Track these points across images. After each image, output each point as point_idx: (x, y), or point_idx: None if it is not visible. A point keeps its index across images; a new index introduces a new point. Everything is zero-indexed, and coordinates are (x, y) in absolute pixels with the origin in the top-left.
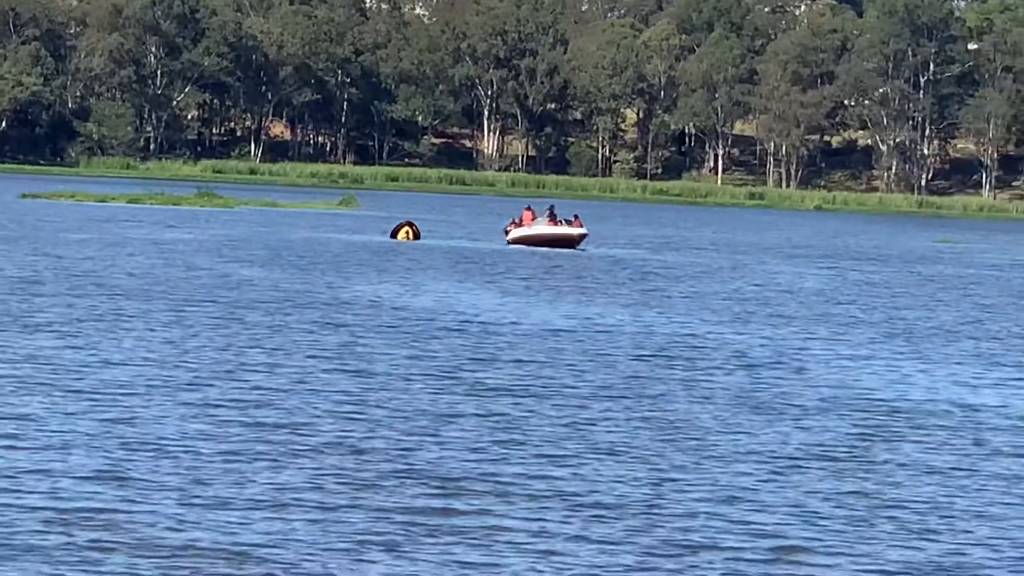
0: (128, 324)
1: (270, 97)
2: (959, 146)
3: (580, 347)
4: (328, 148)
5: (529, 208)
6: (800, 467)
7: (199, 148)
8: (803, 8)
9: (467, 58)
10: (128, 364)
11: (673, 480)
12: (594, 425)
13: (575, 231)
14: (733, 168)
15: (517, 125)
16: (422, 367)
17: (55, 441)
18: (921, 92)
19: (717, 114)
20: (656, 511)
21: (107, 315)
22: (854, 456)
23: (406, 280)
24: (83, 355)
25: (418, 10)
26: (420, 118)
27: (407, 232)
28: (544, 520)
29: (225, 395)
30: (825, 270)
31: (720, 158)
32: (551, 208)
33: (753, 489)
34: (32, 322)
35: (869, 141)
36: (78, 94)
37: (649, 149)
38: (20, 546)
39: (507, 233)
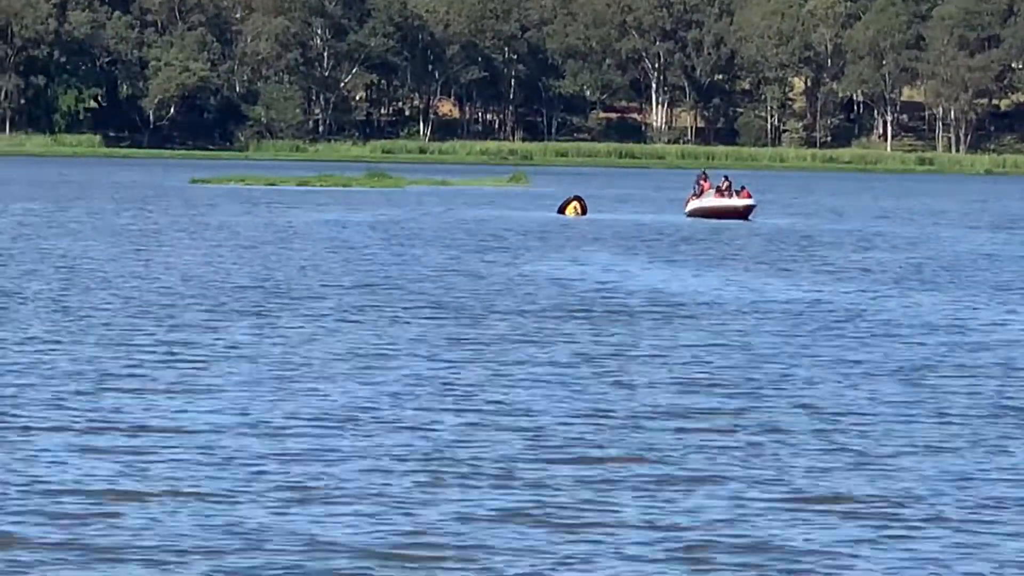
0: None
1: (437, 76)
2: None
3: (760, 324)
4: (496, 125)
5: (705, 178)
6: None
7: (368, 129)
8: None
9: (633, 31)
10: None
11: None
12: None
13: (741, 203)
14: (902, 134)
15: (685, 97)
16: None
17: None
18: None
19: (885, 81)
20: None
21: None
22: None
23: (579, 256)
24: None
25: None
26: (588, 93)
27: (575, 207)
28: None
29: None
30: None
31: (889, 124)
32: (724, 179)
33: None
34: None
35: None
36: (245, 78)
37: (818, 117)
38: None
39: (686, 204)
